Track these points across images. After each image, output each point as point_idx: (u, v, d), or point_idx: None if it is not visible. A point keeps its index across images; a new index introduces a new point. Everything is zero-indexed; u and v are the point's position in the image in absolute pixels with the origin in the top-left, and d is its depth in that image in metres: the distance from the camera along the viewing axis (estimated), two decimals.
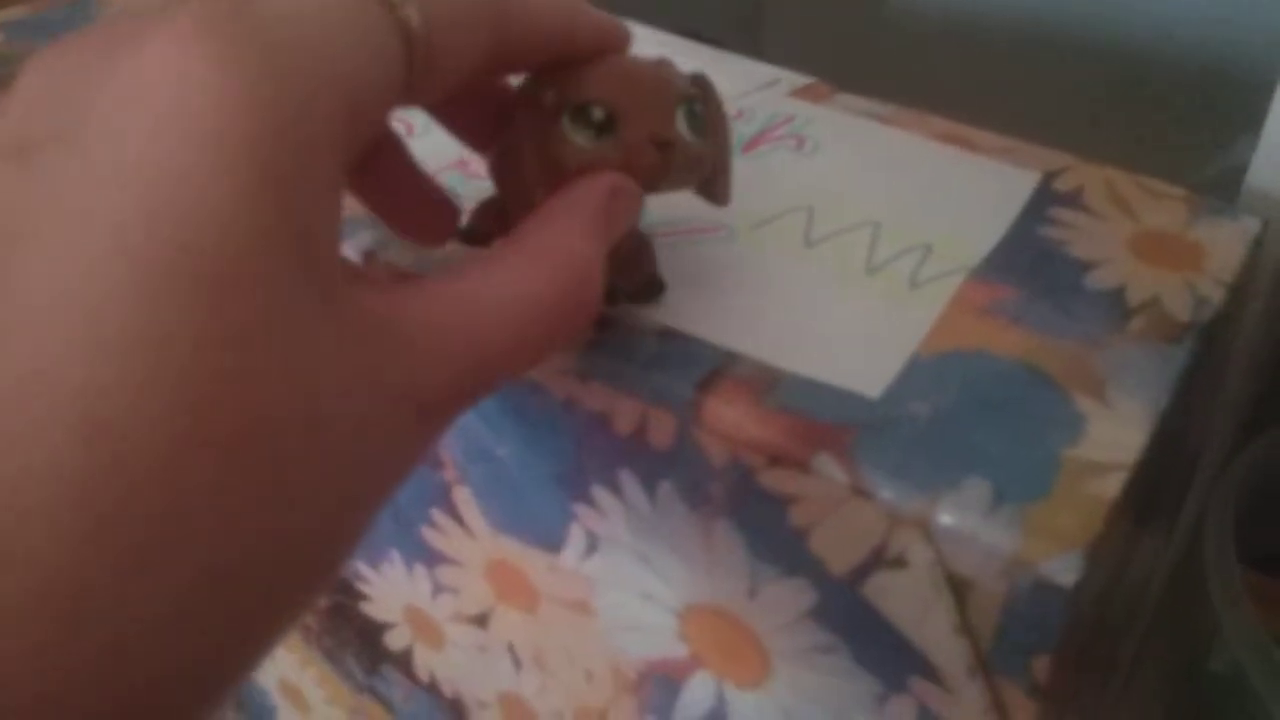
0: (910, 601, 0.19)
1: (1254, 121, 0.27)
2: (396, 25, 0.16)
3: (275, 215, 0.13)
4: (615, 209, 0.19)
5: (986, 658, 0.19)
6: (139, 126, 0.13)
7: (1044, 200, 0.25)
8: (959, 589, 0.18)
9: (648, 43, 0.30)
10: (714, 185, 0.22)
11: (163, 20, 0.14)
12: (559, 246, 0.18)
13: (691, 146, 0.20)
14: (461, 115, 0.22)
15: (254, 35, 0.14)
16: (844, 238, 0.24)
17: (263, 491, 0.13)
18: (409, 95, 0.17)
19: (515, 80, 0.21)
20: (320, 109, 0.14)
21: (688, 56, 0.30)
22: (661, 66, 0.21)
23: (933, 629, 0.19)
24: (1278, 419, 0.38)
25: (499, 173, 0.21)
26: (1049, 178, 0.25)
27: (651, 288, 0.22)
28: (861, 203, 0.24)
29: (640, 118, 0.19)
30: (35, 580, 0.11)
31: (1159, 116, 0.40)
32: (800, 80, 0.28)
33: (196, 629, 0.13)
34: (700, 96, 0.21)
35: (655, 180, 0.20)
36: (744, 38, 0.47)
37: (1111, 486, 0.18)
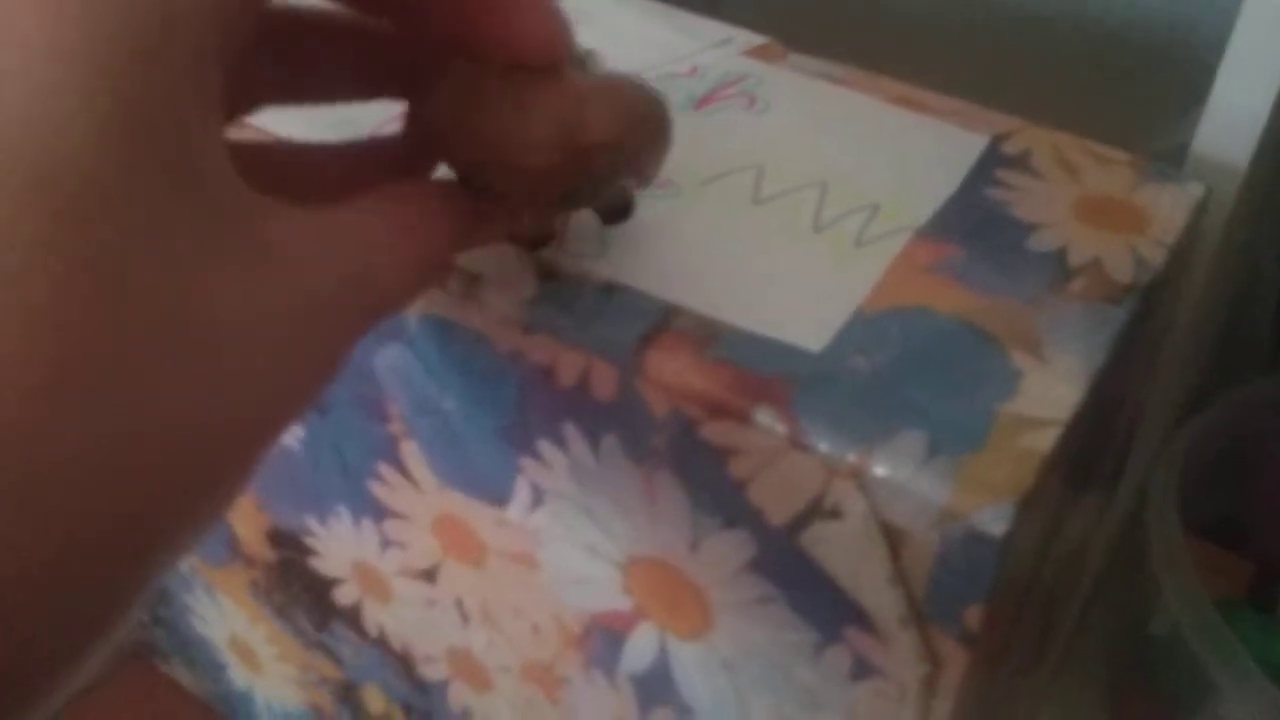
0: (846, 552, 0.19)
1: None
2: None
3: (137, 133, 0.13)
4: (478, 234, 0.20)
5: (920, 607, 0.19)
6: None
7: (991, 162, 0.25)
8: (893, 539, 0.19)
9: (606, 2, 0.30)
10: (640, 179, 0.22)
11: None
12: (430, 235, 0.18)
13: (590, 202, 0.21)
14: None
15: None
16: (792, 196, 0.24)
17: (144, 419, 0.13)
18: None
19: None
20: (180, 7, 0.13)
21: (643, 17, 0.29)
22: (567, 130, 0.18)
23: (868, 579, 0.19)
24: (1223, 388, 0.39)
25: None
26: (997, 140, 0.25)
27: (620, 210, 0.22)
28: (810, 162, 0.24)
29: (524, 202, 0.19)
30: None
31: (1115, 86, 0.40)
32: (754, 39, 0.28)
33: (64, 579, 0.13)
34: (612, 151, 0.19)
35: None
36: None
37: (1044, 441, 0.19)
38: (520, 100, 0.17)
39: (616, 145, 0.18)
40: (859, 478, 0.18)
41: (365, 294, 0.16)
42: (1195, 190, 0.24)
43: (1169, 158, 0.28)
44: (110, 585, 0.13)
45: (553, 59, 0.18)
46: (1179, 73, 0.37)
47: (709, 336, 0.20)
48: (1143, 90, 0.39)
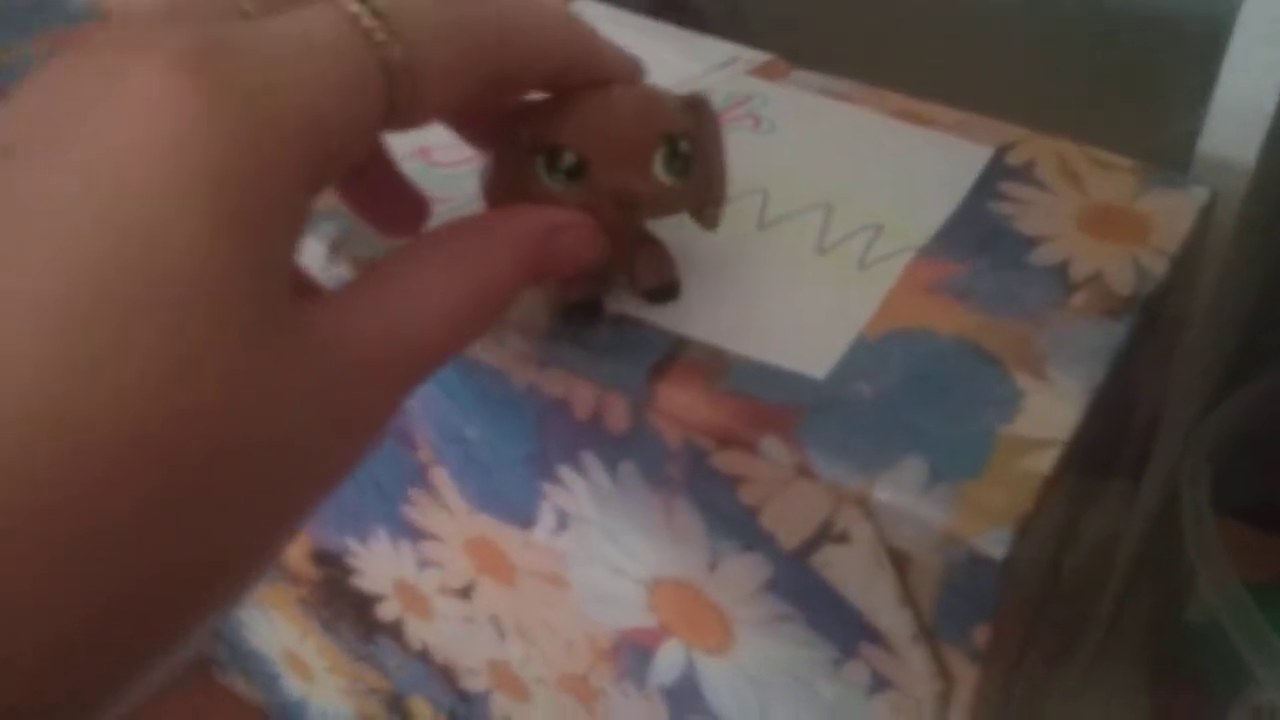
0: (856, 574, 0.20)
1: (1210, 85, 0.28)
2: (379, 62, 0.16)
3: (239, 254, 0.14)
4: (554, 245, 0.20)
5: (929, 626, 0.20)
6: (116, 147, 0.14)
7: (996, 175, 0.25)
8: (899, 562, 0.19)
9: (602, 21, 0.30)
10: (703, 213, 0.22)
11: (153, 48, 0.15)
12: (482, 271, 0.18)
13: (668, 190, 0.20)
14: (468, 126, 0.23)
15: (237, 75, 0.15)
16: (797, 219, 0.24)
17: (193, 513, 0.14)
18: (395, 123, 0.17)
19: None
20: (293, 152, 0.15)
21: (643, 35, 0.30)
22: (649, 101, 0.21)
23: (878, 599, 0.20)
24: (1254, 372, 0.38)
25: (484, 193, 0.22)
26: (1002, 151, 0.26)
27: (664, 290, 0.23)
28: (815, 183, 0.25)
29: (610, 167, 0.20)
30: None
31: (1122, 76, 0.40)
32: (758, 57, 0.29)
33: (100, 646, 0.14)
34: (689, 131, 0.21)
35: (620, 230, 0.21)
36: (726, 4, 0.47)
37: (1044, 463, 0.19)
38: (607, 88, 0.20)
39: (688, 124, 0.21)
40: (864, 504, 0.19)
41: (404, 350, 0.17)
42: (1200, 195, 0.25)
43: (1177, 146, 0.28)
44: (154, 634, 0.15)
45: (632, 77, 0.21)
46: (1186, 63, 0.37)
47: (717, 367, 0.21)
48: (1150, 80, 0.39)
